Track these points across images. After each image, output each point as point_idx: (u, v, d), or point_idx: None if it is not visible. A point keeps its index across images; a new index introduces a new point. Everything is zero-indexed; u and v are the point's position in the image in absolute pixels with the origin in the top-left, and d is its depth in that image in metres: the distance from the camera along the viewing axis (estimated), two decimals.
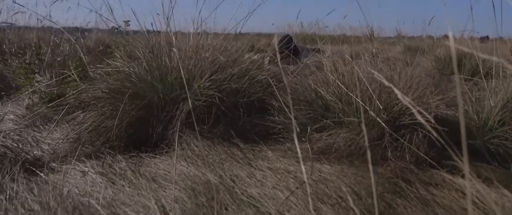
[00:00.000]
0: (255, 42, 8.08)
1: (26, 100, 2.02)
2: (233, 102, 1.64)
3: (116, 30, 2.88)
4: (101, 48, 4.89)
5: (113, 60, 1.87)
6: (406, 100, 0.59)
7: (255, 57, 5.23)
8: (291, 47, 4.74)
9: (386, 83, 0.66)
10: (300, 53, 5.38)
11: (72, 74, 1.84)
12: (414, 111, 0.59)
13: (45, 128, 1.82)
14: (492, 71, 3.38)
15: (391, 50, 5.98)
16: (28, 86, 2.00)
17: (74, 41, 3.04)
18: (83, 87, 1.63)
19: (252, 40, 8.89)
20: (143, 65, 1.72)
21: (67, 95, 1.68)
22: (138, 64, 1.78)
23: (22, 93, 2.02)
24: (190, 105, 1.35)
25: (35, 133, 1.77)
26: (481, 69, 2.66)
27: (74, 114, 1.75)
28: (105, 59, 2.76)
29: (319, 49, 5.63)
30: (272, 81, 1.67)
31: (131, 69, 1.69)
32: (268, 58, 4.79)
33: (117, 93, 1.59)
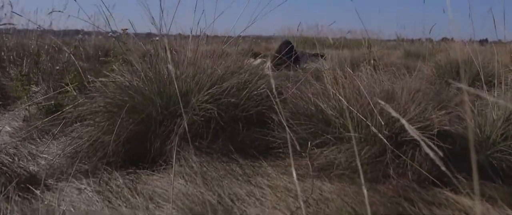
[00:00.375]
0: (254, 46, 8.07)
1: (23, 112, 1.99)
2: (232, 116, 1.61)
3: (114, 39, 2.86)
4: (100, 54, 4.87)
5: (111, 70, 1.84)
6: (407, 126, 0.56)
7: (255, 62, 5.21)
8: (292, 55, 4.71)
9: (386, 107, 0.63)
10: (300, 58, 5.36)
11: (69, 88, 1.81)
12: (413, 133, 0.56)
13: (42, 141, 1.79)
14: (493, 79, 3.35)
15: (391, 55, 5.95)
16: (25, 98, 1.97)
17: (70, 53, 3.02)
18: (80, 101, 1.60)
19: (252, 43, 8.88)
20: (141, 77, 1.69)
21: (64, 109, 1.65)
22: (136, 75, 1.76)
23: (19, 105, 1.99)
24: (185, 124, 1.33)
25: (32, 146, 1.74)
26: (482, 77, 2.64)
27: (72, 127, 1.72)
28: (103, 70, 2.74)
29: (320, 55, 5.61)
30: (272, 94, 1.64)
31: (129, 83, 1.66)
32: (268, 64, 4.77)
33: (114, 107, 1.56)
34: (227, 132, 1.57)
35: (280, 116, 1.48)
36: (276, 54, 4.55)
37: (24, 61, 3.02)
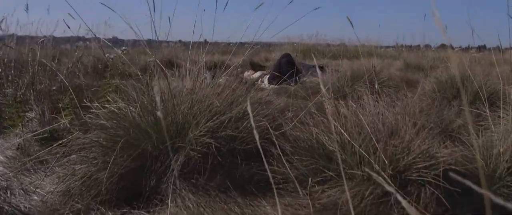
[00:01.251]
0: (254, 56, 8.00)
1: (17, 139, 1.93)
2: (230, 149, 1.55)
3: (111, 60, 2.81)
4: (99, 67, 4.81)
5: (106, 100, 1.78)
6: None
7: (255, 75, 5.14)
8: (291, 68, 4.65)
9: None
10: (301, 70, 5.31)
11: (64, 119, 1.75)
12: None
13: (36, 173, 1.73)
14: (495, 96, 3.29)
15: (391, 66, 5.90)
16: (20, 125, 1.91)
17: (68, 70, 2.96)
18: (74, 135, 1.54)
19: (252, 54, 8.83)
20: (137, 108, 1.63)
21: (59, 142, 1.59)
22: (131, 104, 1.70)
23: (13, 131, 1.93)
24: (179, 164, 1.26)
25: (26, 178, 1.68)
26: (484, 98, 2.59)
27: (67, 158, 1.66)
28: (100, 89, 2.68)
29: (320, 66, 5.55)
30: (271, 126, 1.58)
31: (124, 114, 1.60)
32: (265, 80, 4.70)
33: (108, 142, 1.50)
34: (225, 167, 1.51)
35: (279, 150, 1.42)
36: (275, 73, 4.49)
37: (21, 80, 2.97)
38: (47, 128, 1.95)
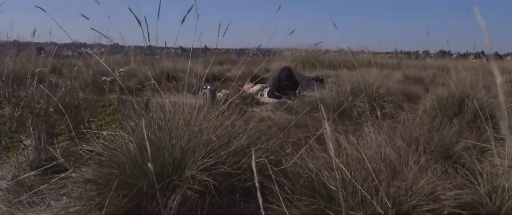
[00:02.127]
0: (253, 66, 7.93)
1: (12, 170, 1.88)
2: (228, 186, 1.50)
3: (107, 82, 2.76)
4: (99, 81, 4.76)
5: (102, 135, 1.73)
6: None
7: (255, 88, 5.08)
8: (291, 82, 4.62)
9: None
10: (300, 83, 5.27)
11: (57, 154, 1.70)
12: None
13: (31, 206, 1.68)
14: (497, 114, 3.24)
15: (390, 78, 5.84)
16: (15, 155, 1.86)
17: (66, 88, 2.91)
18: (67, 173, 1.48)
19: (250, 62, 8.75)
20: (133, 141, 1.59)
21: (54, 179, 1.54)
22: (127, 138, 1.65)
23: (8, 161, 1.88)
24: (175, 204, 1.21)
25: (20, 214, 1.63)
26: (488, 117, 2.54)
27: (64, 189, 1.61)
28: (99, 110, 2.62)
29: (320, 78, 5.51)
30: (271, 161, 1.53)
31: (119, 149, 1.55)
32: (265, 95, 4.65)
33: (104, 179, 1.45)
34: (223, 206, 1.46)
35: (278, 188, 1.37)
36: (275, 88, 4.45)
37: (19, 99, 2.92)
38: (43, 156, 1.90)
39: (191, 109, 1.72)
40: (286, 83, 4.52)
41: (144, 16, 1.97)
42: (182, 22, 2.01)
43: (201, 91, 4.02)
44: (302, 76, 5.53)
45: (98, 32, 2.26)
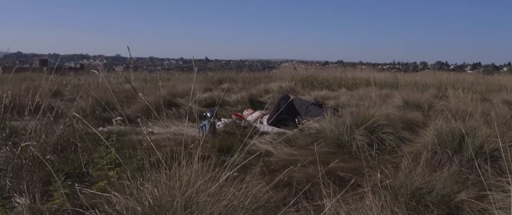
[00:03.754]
0: (252, 86, 7.89)
1: None
2: None
3: (105, 132, 2.70)
4: (100, 109, 4.70)
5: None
6: None
7: (254, 115, 5.02)
8: (291, 111, 4.57)
9: None
10: (299, 108, 5.22)
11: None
12: None
13: None
14: (498, 154, 3.18)
15: (389, 103, 5.79)
16: None
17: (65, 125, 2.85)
18: None
19: (250, 79, 8.68)
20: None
21: None
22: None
23: None
24: None
25: None
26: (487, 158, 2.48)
27: None
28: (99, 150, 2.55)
29: (319, 103, 5.45)
30: None
31: None
32: (265, 122, 4.59)
33: None
34: None
35: None
36: (274, 121, 4.39)
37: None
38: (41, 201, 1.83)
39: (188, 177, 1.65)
40: (285, 112, 4.48)
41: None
42: None
43: (200, 123, 3.97)
44: (301, 101, 5.47)
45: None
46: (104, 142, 2.30)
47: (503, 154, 2.93)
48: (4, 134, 2.98)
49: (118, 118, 2.29)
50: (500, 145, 2.93)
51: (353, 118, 3.99)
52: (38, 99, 4.29)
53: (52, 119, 3.39)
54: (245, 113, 5.11)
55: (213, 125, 3.85)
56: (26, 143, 1.88)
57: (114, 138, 2.25)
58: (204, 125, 3.85)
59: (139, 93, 4.11)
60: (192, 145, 2.74)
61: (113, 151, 2.04)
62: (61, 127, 3.27)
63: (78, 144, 2.80)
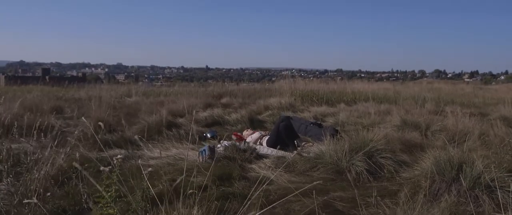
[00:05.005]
0: (251, 101, 7.89)
1: None
2: None
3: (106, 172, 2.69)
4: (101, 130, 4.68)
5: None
6: None
7: (254, 136, 5.02)
8: (290, 134, 4.58)
9: None
10: (298, 130, 5.22)
11: None
12: None
13: None
14: (495, 185, 3.18)
15: (387, 121, 5.80)
16: None
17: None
18: None
19: (249, 93, 8.68)
20: None
21: None
22: None
23: None
24: None
25: None
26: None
27: None
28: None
29: (318, 123, 5.46)
30: None
31: None
32: (264, 143, 4.60)
33: None
34: None
35: None
36: (273, 143, 4.40)
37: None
38: None
39: None
40: (285, 135, 4.49)
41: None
42: None
43: (200, 148, 3.97)
44: (300, 121, 5.49)
45: None
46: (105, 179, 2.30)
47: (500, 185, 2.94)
48: (6, 165, 2.99)
49: (119, 156, 2.28)
50: (496, 177, 2.95)
51: (352, 142, 3.99)
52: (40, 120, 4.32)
53: (53, 147, 3.40)
54: (245, 133, 5.12)
55: (212, 150, 3.85)
56: (28, 201, 1.87)
57: (115, 179, 2.25)
58: (204, 150, 3.85)
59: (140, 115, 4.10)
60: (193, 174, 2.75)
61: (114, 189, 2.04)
62: (62, 156, 3.28)
63: (79, 177, 2.80)
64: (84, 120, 3.39)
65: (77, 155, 2.92)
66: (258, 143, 4.75)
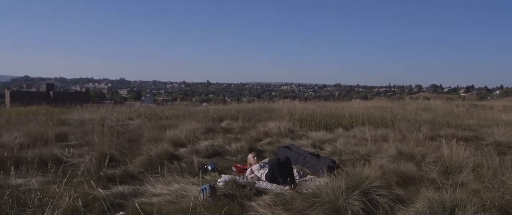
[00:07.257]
0: (250, 126, 7.96)
1: None
2: None
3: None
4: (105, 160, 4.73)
5: None
6: None
7: (254, 167, 5.08)
8: (287, 167, 4.64)
9: None
10: (296, 161, 5.28)
11: None
12: None
13: None
14: None
15: (383, 151, 5.85)
16: None
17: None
18: None
19: (249, 116, 8.74)
20: None
21: None
22: None
23: None
24: None
25: None
26: None
27: None
28: None
29: (316, 154, 5.53)
30: None
31: None
32: (262, 177, 4.66)
33: None
34: None
35: None
36: (272, 178, 4.45)
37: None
38: None
39: None
40: (283, 170, 4.56)
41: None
42: None
43: (201, 185, 4.03)
44: (299, 152, 5.56)
45: None
46: None
47: None
48: (13, 210, 3.05)
49: (121, 212, 2.36)
50: None
51: (349, 179, 4.06)
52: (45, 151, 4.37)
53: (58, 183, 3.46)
54: (250, 156, 5.18)
55: (213, 188, 3.92)
56: None
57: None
58: (205, 188, 3.91)
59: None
60: None
61: None
62: (66, 200, 3.34)
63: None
64: (87, 155, 3.46)
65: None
66: (259, 174, 4.81)
